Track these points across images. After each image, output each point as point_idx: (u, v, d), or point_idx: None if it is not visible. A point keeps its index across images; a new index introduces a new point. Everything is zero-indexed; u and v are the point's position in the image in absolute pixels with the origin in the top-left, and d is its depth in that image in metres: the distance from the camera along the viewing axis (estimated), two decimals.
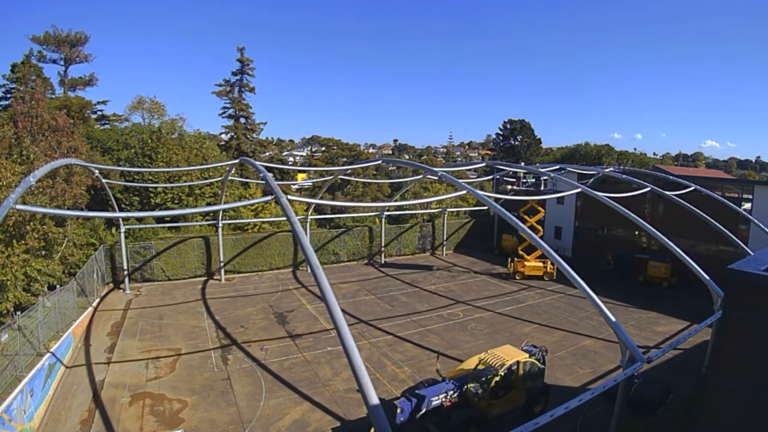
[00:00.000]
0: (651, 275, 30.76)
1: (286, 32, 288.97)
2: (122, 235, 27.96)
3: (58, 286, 20.16)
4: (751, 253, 12.26)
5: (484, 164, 42.76)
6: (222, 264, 31.24)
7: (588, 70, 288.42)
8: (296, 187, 59.68)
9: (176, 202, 33.41)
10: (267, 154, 65.83)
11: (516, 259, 33.06)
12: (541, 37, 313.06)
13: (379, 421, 6.76)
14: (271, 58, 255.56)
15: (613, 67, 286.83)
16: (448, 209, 41.66)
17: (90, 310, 23.34)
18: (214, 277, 31.50)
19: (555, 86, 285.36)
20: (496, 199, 30.29)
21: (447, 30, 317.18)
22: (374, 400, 6.96)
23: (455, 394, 13.64)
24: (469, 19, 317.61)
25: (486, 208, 42.44)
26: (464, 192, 19.62)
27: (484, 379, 13.88)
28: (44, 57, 52.83)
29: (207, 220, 32.54)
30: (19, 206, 12.39)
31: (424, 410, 13.01)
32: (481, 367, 14.19)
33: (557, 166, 35.19)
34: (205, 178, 34.33)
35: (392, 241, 39.45)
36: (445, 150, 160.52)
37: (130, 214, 18.70)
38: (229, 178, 30.54)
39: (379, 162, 43.92)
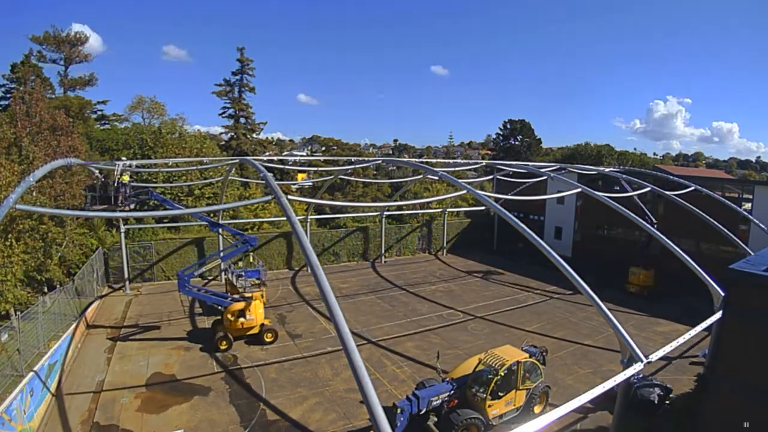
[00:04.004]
0: (631, 282, 29.45)
1: (286, 32, 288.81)
2: (122, 235, 27.95)
3: (58, 286, 20.14)
4: (751, 253, 12.25)
5: (483, 163, 42.80)
6: (222, 264, 31.17)
7: (588, 68, 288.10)
8: (296, 187, 59.62)
9: (176, 201, 33.35)
10: (267, 154, 65.86)
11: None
12: (541, 37, 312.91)
13: (380, 422, 6.74)
14: (271, 58, 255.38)
15: (613, 64, 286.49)
16: (449, 209, 41.65)
17: (90, 310, 23.31)
18: (216, 278, 31.46)
19: (556, 86, 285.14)
20: (496, 199, 30.27)
21: (447, 30, 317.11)
22: (374, 400, 6.94)
23: (455, 395, 13.67)
24: (469, 18, 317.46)
25: (484, 208, 42.42)
26: (464, 192, 19.61)
27: (484, 379, 13.89)
28: (44, 57, 52.81)
29: None
30: (19, 206, 12.37)
31: (424, 410, 13.03)
32: (481, 367, 14.19)
33: (557, 166, 35.17)
34: (205, 178, 34.30)
35: (392, 242, 39.47)
36: (445, 150, 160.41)
37: (130, 214, 18.67)
38: (229, 178, 30.52)
39: (379, 162, 43.90)
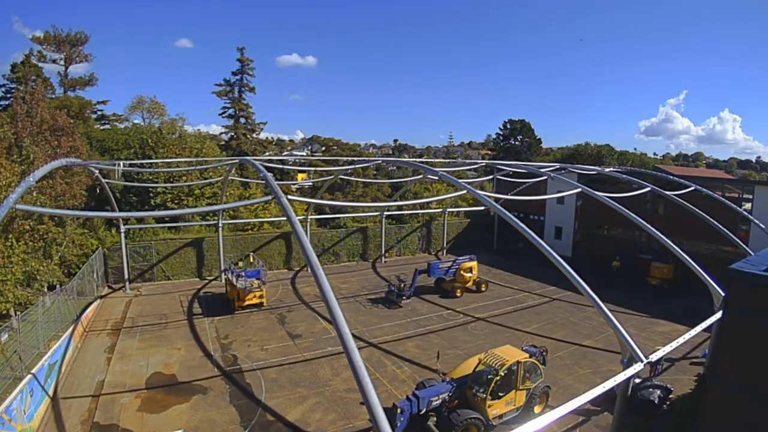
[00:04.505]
0: (653, 276, 30.59)
1: (286, 32, 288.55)
2: (122, 235, 27.94)
3: (58, 286, 20.15)
4: (752, 253, 12.23)
5: (483, 163, 42.81)
6: (223, 265, 31.18)
7: (588, 68, 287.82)
8: (296, 187, 59.67)
9: (176, 202, 33.40)
10: (267, 154, 65.92)
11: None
12: (541, 36, 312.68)
13: (380, 422, 6.75)
14: (271, 57, 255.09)
15: (613, 63, 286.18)
16: (449, 209, 41.64)
17: (90, 310, 23.32)
18: (217, 278, 31.48)
19: (556, 86, 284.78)
20: (496, 199, 30.29)
21: (447, 29, 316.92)
22: (374, 400, 6.95)
23: (455, 395, 13.69)
24: (470, 18, 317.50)
25: (484, 208, 42.42)
26: (464, 192, 19.63)
27: (484, 379, 13.89)
28: (44, 57, 52.84)
29: (207, 220, 32.54)
30: (19, 206, 12.39)
31: (424, 411, 13.05)
32: (481, 367, 14.19)
33: (557, 166, 35.15)
34: (205, 178, 34.33)
35: (393, 242, 39.48)
36: (445, 150, 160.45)
37: (130, 214, 18.68)
38: (229, 178, 30.54)
39: (379, 161, 43.95)
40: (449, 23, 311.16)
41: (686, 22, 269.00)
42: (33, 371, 14.38)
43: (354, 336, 13.99)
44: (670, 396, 15.02)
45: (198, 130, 50.93)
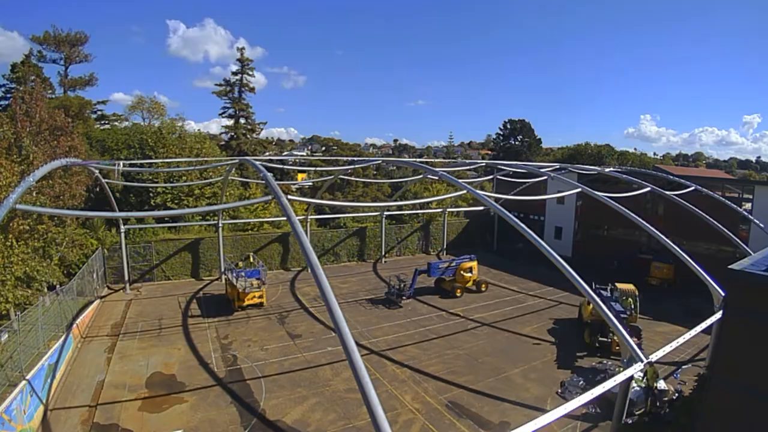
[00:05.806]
0: (653, 276, 30.73)
1: (286, 31, 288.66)
2: (122, 235, 27.93)
3: (58, 286, 20.14)
4: (752, 253, 12.24)
5: (483, 163, 42.83)
6: (223, 265, 31.18)
7: (587, 67, 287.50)
8: (296, 187, 59.68)
9: (176, 202, 33.39)
10: (267, 154, 65.97)
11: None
12: (541, 35, 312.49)
13: (380, 422, 6.75)
14: (271, 57, 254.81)
15: (613, 62, 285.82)
16: (449, 209, 41.62)
17: (90, 310, 23.31)
18: (217, 279, 31.47)
19: (556, 86, 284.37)
20: (496, 199, 30.29)
21: (447, 29, 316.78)
22: (375, 400, 6.96)
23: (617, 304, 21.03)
24: (469, 18, 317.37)
25: (484, 208, 42.40)
26: (464, 192, 19.64)
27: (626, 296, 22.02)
28: (44, 57, 52.88)
29: (207, 220, 32.52)
30: (19, 206, 12.40)
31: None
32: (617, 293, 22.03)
33: (557, 166, 35.16)
34: (205, 178, 34.32)
35: (393, 242, 39.47)
36: (445, 150, 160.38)
37: (130, 214, 18.66)
38: (229, 178, 30.55)
39: (379, 161, 43.99)
40: (449, 22, 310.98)
41: (682, 19, 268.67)
42: (32, 373, 14.30)
43: (355, 341, 13.93)
44: (672, 397, 15.00)
45: (198, 130, 50.94)
